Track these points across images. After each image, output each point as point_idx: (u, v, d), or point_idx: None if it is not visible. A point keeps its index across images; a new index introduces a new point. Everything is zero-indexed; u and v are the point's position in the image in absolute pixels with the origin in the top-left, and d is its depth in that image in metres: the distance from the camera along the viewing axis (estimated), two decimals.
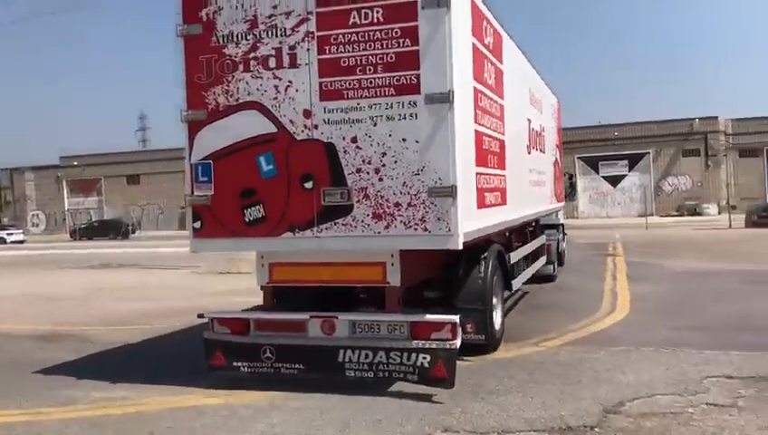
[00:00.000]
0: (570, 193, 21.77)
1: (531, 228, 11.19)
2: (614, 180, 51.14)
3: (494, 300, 7.32)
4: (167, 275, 18.80)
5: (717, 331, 8.15)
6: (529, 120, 10.05)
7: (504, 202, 7.69)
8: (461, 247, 5.80)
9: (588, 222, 42.51)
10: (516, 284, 8.84)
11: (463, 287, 6.85)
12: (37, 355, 8.08)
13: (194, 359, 6.80)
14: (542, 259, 11.86)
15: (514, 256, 8.89)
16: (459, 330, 5.89)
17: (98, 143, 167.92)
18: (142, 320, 10.48)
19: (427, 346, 5.79)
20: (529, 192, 9.94)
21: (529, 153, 9.98)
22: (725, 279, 13.13)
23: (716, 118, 49.74)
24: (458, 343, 5.85)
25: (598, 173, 51.78)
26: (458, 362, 5.91)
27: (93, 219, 57.96)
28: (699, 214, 47.57)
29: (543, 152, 11.64)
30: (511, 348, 7.49)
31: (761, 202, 42.24)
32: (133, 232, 52.22)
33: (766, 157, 48.06)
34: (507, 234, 8.92)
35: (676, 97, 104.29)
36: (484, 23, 7.15)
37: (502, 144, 7.72)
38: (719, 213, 47.83)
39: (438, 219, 5.73)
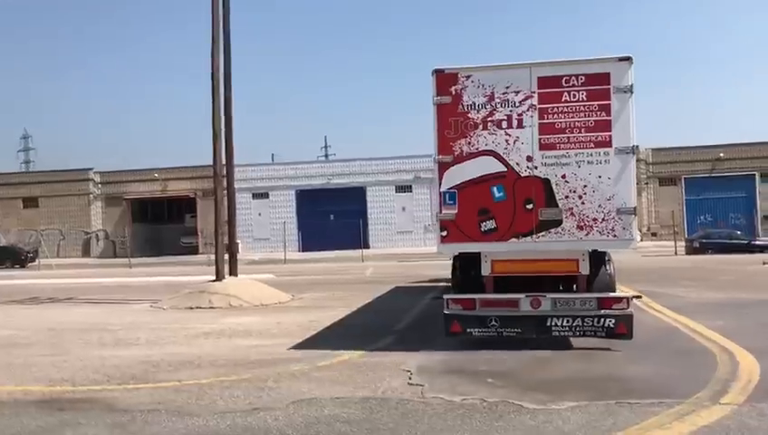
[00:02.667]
0: None
1: None
2: None
3: None
4: (124, 310, 16.11)
5: None
6: None
7: None
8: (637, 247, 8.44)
9: None
10: None
11: (595, 280, 8.71)
12: None
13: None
14: None
15: None
16: (631, 302, 8.44)
17: None
18: (157, 373, 8.28)
19: (612, 313, 8.34)
20: None
21: None
22: None
23: (637, 147, 51.01)
24: (632, 310, 8.40)
25: None
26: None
27: None
28: None
29: None
30: (690, 407, 6.11)
31: (692, 231, 43.59)
32: (33, 260, 47.26)
33: (683, 186, 49.72)
34: None
35: None
36: None
37: None
38: (641, 240, 49.07)
39: (624, 229, 8.38)
